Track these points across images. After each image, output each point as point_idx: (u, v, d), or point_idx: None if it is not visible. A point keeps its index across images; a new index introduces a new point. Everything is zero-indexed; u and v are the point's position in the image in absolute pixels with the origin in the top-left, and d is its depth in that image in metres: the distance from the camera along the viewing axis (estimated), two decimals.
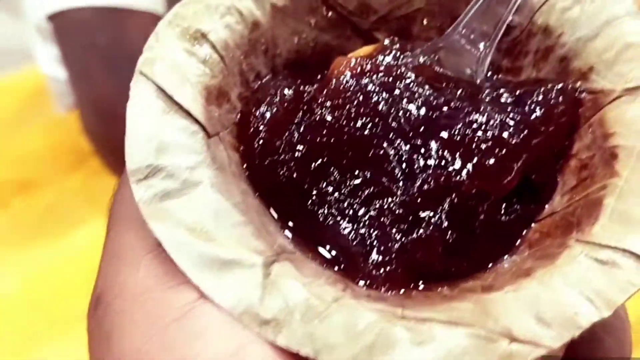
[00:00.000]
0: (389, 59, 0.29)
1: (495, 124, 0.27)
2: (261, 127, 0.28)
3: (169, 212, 0.24)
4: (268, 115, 0.28)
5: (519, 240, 0.28)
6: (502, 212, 0.28)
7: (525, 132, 0.27)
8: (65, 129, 0.96)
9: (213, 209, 0.24)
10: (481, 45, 0.30)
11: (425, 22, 0.32)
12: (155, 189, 0.24)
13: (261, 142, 0.28)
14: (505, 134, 0.27)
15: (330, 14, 0.31)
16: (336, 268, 0.26)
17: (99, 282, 0.25)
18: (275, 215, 0.27)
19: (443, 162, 0.27)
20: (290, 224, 0.27)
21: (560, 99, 0.28)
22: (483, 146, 0.27)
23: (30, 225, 0.78)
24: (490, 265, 0.27)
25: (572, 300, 0.23)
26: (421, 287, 0.26)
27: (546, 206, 0.28)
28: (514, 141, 0.27)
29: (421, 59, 0.30)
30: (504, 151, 0.27)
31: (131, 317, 0.23)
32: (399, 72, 0.29)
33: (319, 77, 0.31)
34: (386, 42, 0.30)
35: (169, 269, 0.23)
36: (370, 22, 0.32)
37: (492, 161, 0.27)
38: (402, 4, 0.32)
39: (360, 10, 0.32)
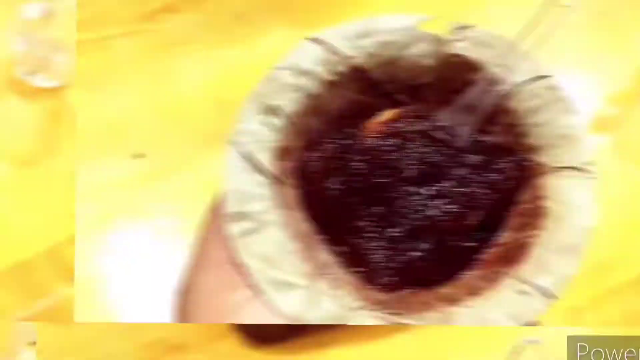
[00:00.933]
0: (403, 124, 0.43)
1: (469, 183, 0.41)
2: (312, 173, 0.41)
3: (250, 245, 0.38)
4: (317, 163, 0.42)
5: (477, 261, 0.41)
6: (467, 240, 0.41)
7: (488, 190, 0.41)
8: None
9: (277, 243, 0.38)
10: (470, 118, 0.42)
11: (433, 92, 0.44)
12: (241, 228, 0.38)
13: (312, 184, 0.41)
14: (474, 191, 0.41)
15: (367, 82, 0.43)
16: (359, 277, 0.41)
17: (187, 270, 0.40)
18: (322, 238, 0.41)
19: (432, 207, 0.41)
20: (332, 244, 0.41)
21: (514, 168, 0.41)
22: (459, 199, 0.41)
23: (220, 27, 0.69)
24: (455, 276, 0.41)
25: (498, 317, 0.37)
26: (409, 291, 0.41)
27: (499, 236, 0.42)
28: (479, 196, 0.41)
29: (427, 125, 0.43)
30: (472, 203, 0.41)
31: (199, 305, 0.38)
32: (409, 136, 0.42)
33: (356, 129, 0.44)
34: (403, 109, 0.43)
35: (230, 278, 0.37)
36: (394, 87, 0.44)
37: (464, 209, 0.41)
38: (415, 76, 0.43)
39: (387, 80, 0.43)
